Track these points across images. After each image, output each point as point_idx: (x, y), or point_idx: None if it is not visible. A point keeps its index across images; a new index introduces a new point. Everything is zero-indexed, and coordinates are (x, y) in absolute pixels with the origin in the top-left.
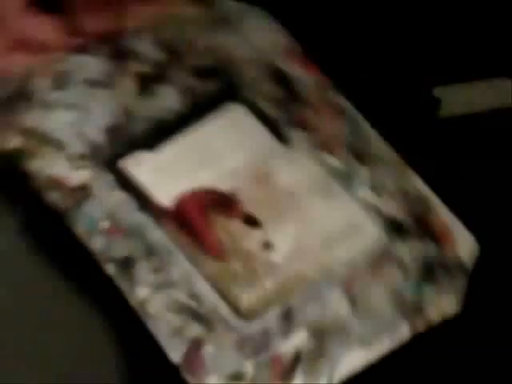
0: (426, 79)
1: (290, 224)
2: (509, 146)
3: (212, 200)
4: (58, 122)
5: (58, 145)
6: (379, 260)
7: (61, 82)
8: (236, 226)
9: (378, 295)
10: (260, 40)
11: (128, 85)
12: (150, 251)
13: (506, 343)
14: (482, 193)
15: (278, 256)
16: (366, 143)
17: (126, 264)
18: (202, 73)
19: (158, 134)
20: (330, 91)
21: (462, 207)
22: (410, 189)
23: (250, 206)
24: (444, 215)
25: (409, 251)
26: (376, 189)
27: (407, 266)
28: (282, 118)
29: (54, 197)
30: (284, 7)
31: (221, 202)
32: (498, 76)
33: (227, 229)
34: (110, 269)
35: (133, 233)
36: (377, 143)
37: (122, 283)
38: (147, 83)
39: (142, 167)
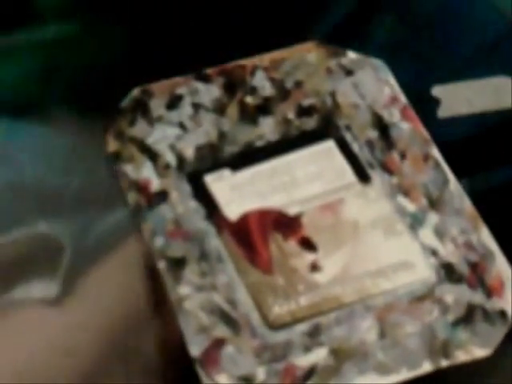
0: (425, 78)
1: (343, 252)
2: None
3: (275, 219)
4: (159, 136)
5: (152, 155)
6: (421, 297)
7: (174, 103)
8: (291, 245)
9: (409, 330)
10: (368, 89)
11: (232, 112)
12: (203, 256)
13: None
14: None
15: (322, 278)
16: (444, 192)
17: (178, 264)
18: (304, 111)
19: (246, 157)
20: (423, 141)
21: None
22: (475, 240)
23: (311, 231)
24: (503, 271)
25: (454, 294)
26: (439, 233)
27: (448, 308)
28: (370, 159)
29: (133, 196)
30: None
31: (283, 223)
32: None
33: (281, 247)
34: (161, 265)
35: (193, 238)
36: (455, 193)
37: (167, 279)
38: (251, 113)
39: (221, 184)
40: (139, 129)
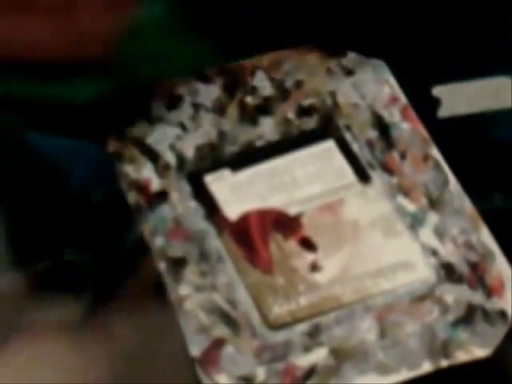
0: (425, 78)
1: (343, 252)
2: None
3: (275, 219)
4: (159, 136)
5: (153, 156)
6: (421, 297)
7: (174, 103)
8: (291, 245)
9: (409, 329)
10: (368, 89)
11: (232, 112)
12: (203, 256)
13: None
14: None
15: (322, 278)
16: (444, 192)
17: (178, 264)
18: (304, 111)
19: (246, 157)
20: (423, 141)
21: None
22: (475, 240)
23: (311, 231)
24: (503, 271)
25: (454, 294)
26: (439, 233)
27: (448, 308)
28: (370, 159)
29: (133, 197)
30: None
31: (283, 223)
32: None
33: (281, 247)
34: (162, 266)
35: (193, 238)
36: (455, 193)
37: (168, 280)
38: (251, 113)
39: (221, 184)
40: (139, 129)
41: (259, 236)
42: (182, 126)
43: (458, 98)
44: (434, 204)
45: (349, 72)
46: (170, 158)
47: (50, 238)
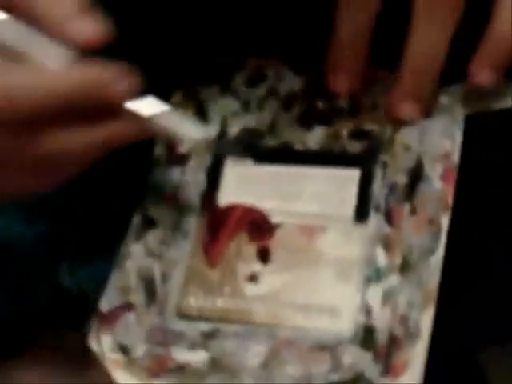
0: None
1: (289, 275)
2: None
3: (252, 220)
4: (221, 104)
5: (201, 111)
6: (321, 347)
7: (254, 81)
8: (249, 250)
9: (289, 372)
10: (430, 137)
11: (295, 109)
12: (173, 227)
13: None
14: None
15: (251, 290)
16: (423, 261)
17: (147, 224)
18: (358, 133)
19: (274, 155)
20: (443, 205)
21: None
22: (414, 318)
23: (277, 244)
24: (414, 358)
25: (353, 359)
26: (387, 296)
27: (338, 367)
28: (381, 201)
29: (159, 149)
30: None
31: (257, 227)
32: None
33: (240, 248)
34: (136, 220)
35: (178, 208)
36: (432, 266)
37: (130, 233)
38: (311, 116)
39: (235, 171)
40: (208, 91)
41: (229, 229)
42: (245, 105)
43: (458, 98)
44: (405, 268)
45: None
46: (216, 124)
47: None
